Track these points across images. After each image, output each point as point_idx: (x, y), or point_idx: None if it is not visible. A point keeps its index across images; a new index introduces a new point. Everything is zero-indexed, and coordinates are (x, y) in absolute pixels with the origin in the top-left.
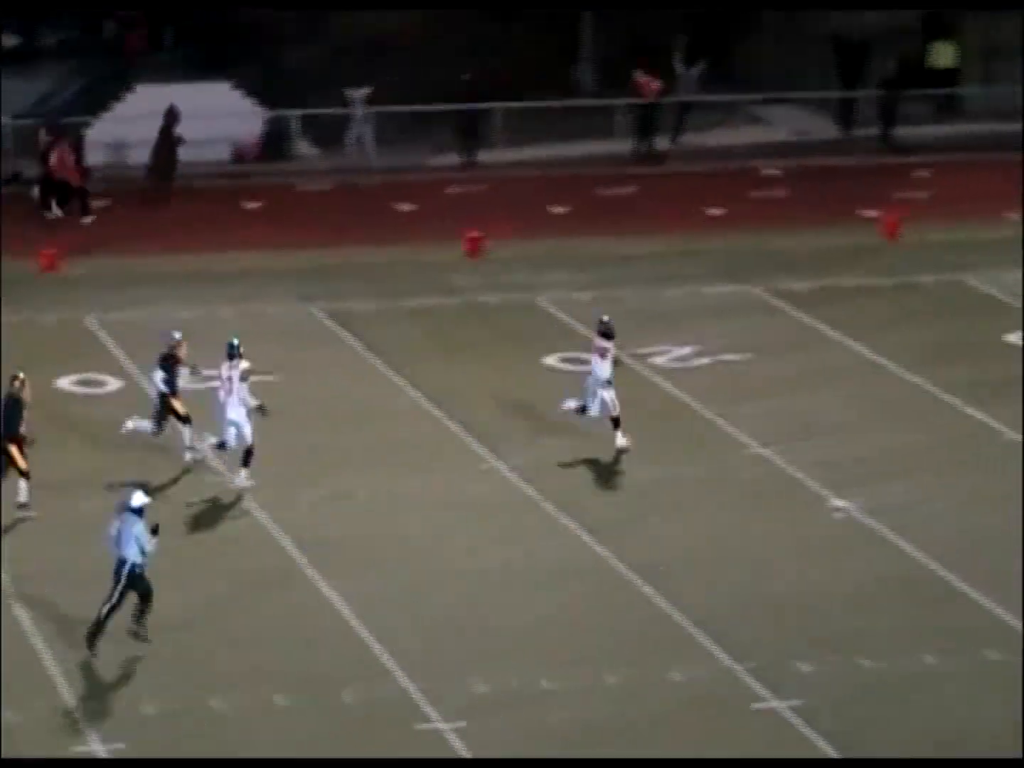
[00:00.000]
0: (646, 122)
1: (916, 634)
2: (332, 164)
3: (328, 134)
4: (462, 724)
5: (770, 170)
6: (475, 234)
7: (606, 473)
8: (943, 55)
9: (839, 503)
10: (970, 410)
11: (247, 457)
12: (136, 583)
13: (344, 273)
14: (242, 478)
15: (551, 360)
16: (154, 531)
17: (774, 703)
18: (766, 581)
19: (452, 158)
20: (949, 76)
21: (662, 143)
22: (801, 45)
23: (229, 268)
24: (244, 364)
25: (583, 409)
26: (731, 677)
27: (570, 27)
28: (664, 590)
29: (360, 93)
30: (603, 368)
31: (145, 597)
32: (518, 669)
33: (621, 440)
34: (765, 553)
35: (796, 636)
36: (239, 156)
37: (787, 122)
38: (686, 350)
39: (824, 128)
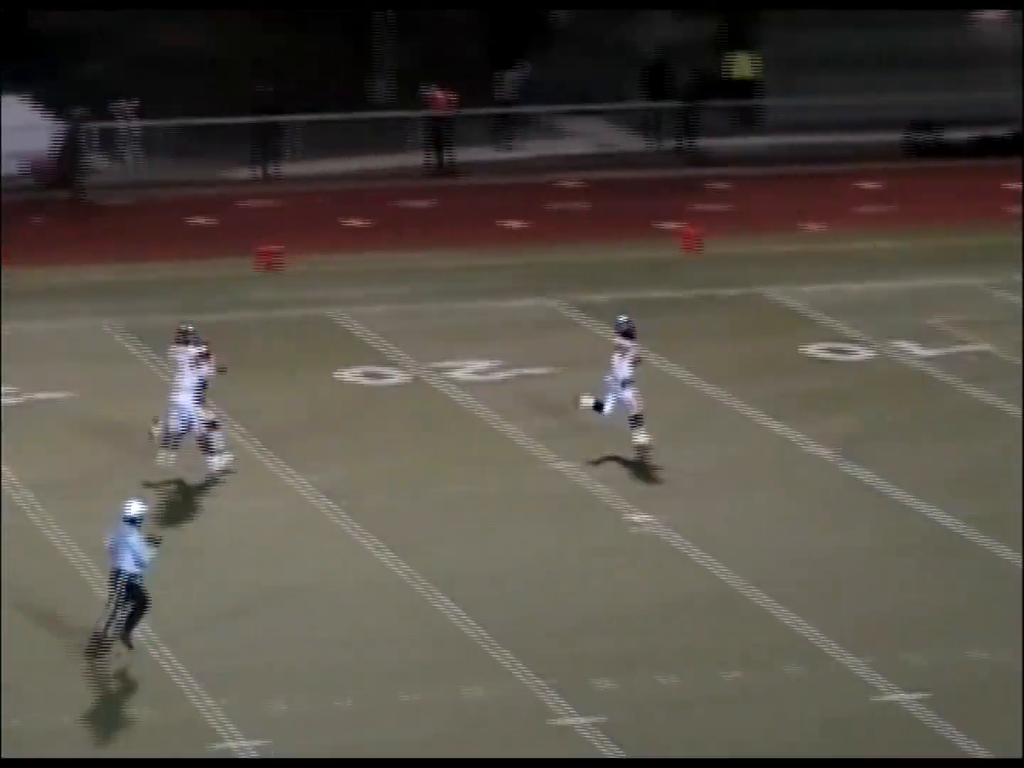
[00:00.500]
0: (442, 134)
1: (718, 650)
2: (128, 178)
3: (124, 148)
4: (261, 743)
5: (571, 182)
6: (271, 248)
7: (408, 489)
8: (743, 67)
9: (639, 518)
10: (771, 424)
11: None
12: (133, 594)
13: (140, 288)
14: (215, 463)
15: (350, 375)
16: (155, 542)
17: (574, 719)
18: (567, 597)
19: (248, 171)
20: (749, 88)
21: (473, 154)
22: (601, 57)
23: (23, 284)
24: (196, 350)
25: (599, 406)
26: (531, 693)
27: (366, 39)
28: (465, 607)
29: (129, 105)
30: (623, 368)
31: (141, 606)
32: (318, 688)
33: (642, 438)
34: (566, 569)
35: (597, 652)
36: (37, 173)
37: (588, 134)
38: (486, 364)
39: (625, 140)
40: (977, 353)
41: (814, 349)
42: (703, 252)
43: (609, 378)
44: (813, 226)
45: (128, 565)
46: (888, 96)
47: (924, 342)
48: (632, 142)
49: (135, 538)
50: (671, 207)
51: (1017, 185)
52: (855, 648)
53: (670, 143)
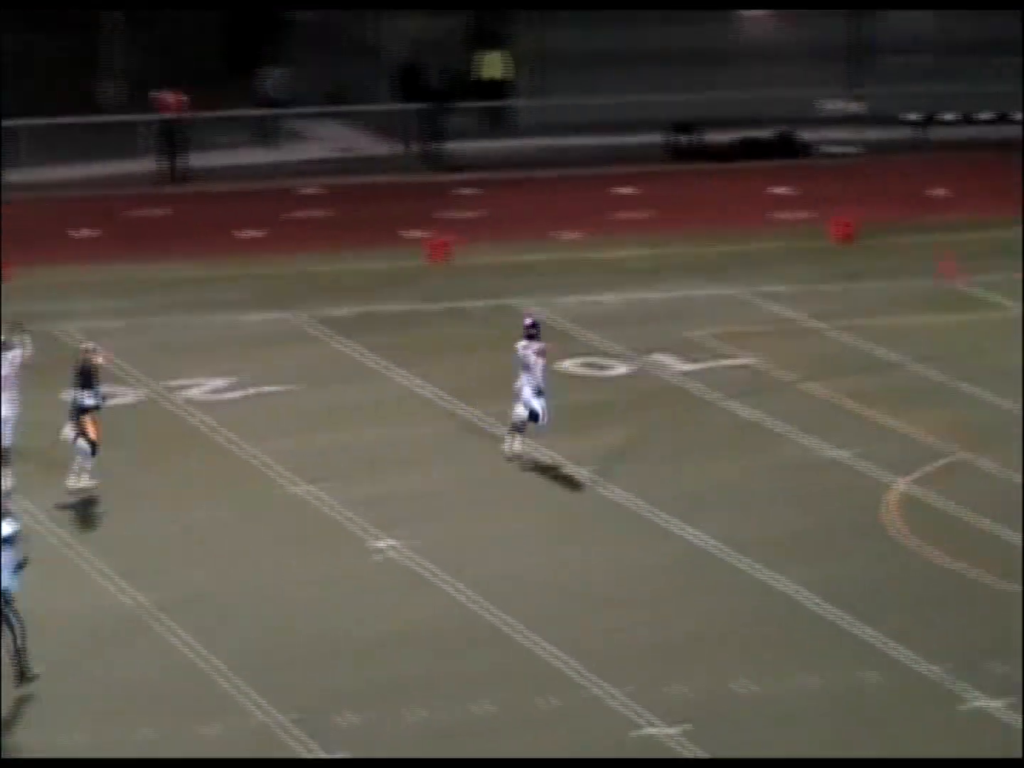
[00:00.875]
0: (175, 139)
1: (466, 680)
2: None
3: None
4: None
5: (312, 189)
6: None
7: (134, 514)
8: (493, 66)
9: (383, 544)
10: (519, 446)
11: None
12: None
13: None
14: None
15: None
16: (21, 565)
17: (317, 755)
18: (308, 627)
19: None
20: (500, 88)
21: (209, 159)
22: (346, 57)
23: None
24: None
25: (534, 416)
26: (270, 728)
27: (94, 39)
28: (200, 638)
29: None
30: (538, 374)
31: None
32: (46, 721)
33: (518, 446)
34: (307, 597)
35: (340, 685)
36: None
37: (329, 138)
38: (223, 382)
39: (370, 144)
40: (741, 367)
41: (570, 364)
42: (452, 262)
43: (525, 386)
44: (569, 234)
45: (8, 582)
46: (647, 96)
47: (685, 356)
48: (377, 146)
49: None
50: (419, 214)
51: (781, 189)
52: (612, 678)
53: (418, 147)
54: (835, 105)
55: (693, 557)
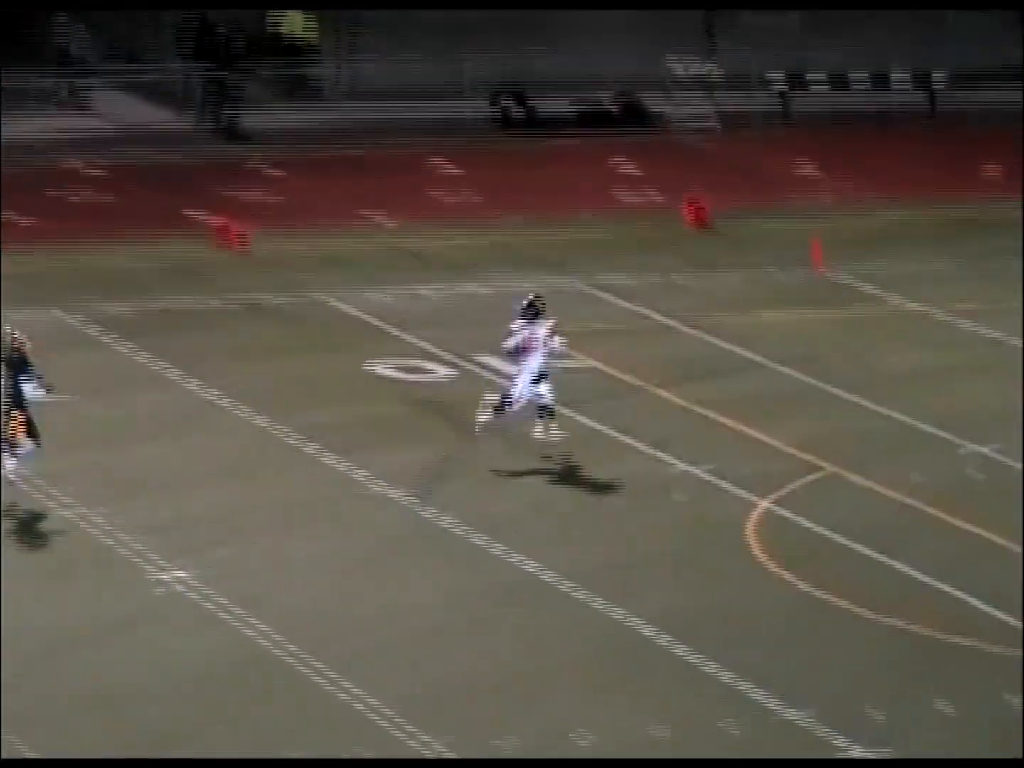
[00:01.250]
0: None
1: (265, 729)
2: None
3: None
4: None
5: (88, 168)
6: None
7: None
8: (294, 22)
9: (169, 575)
10: (330, 458)
11: None
12: None
13: None
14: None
15: None
16: None
17: None
18: (85, 671)
19: None
20: (304, 52)
21: None
22: (124, 14)
23: None
24: None
25: (502, 407)
26: None
27: None
28: None
29: None
30: (539, 358)
31: None
32: None
33: (557, 434)
34: (81, 637)
35: (123, 732)
36: None
37: (109, 108)
38: None
39: (151, 114)
40: (580, 370)
41: (383, 367)
42: (248, 250)
43: (524, 371)
44: (382, 218)
45: None
46: (471, 60)
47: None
48: (160, 116)
49: None
50: (210, 196)
51: (626, 166)
52: (430, 726)
53: (209, 118)
54: (686, 69)
55: (524, 587)
